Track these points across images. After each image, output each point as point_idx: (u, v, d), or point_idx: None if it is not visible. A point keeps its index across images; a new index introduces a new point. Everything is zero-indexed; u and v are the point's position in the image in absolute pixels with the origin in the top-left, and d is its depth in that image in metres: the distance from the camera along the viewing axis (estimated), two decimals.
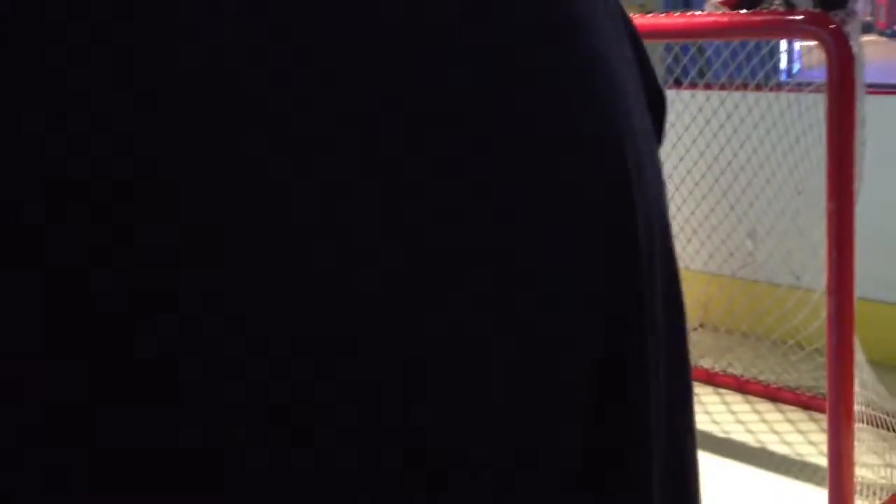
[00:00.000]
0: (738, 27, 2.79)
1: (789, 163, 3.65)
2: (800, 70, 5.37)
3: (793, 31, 2.77)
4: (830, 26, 2.55)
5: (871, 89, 3.06)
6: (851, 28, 2.63)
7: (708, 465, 3.43)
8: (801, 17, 2.64)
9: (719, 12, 2.87)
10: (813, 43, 4.86)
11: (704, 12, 2.90)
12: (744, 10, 2.79)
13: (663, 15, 3.04)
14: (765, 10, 2.77)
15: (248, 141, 0.31)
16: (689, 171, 4.17)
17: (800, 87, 3.59)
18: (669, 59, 4.03)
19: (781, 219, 3.84)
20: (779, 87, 3.73)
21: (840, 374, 2.85)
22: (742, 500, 3.19)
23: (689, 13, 2.94)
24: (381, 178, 0.34)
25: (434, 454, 0.35)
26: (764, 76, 3.67)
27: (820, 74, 3.99)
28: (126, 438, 0.30)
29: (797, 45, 5.27)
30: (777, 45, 4.23)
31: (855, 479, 2.91)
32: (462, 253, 0.36)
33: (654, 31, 3.08)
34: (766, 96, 3.71)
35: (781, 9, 2.79)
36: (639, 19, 3.14)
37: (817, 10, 2.70)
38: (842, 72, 2.54)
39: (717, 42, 3.77)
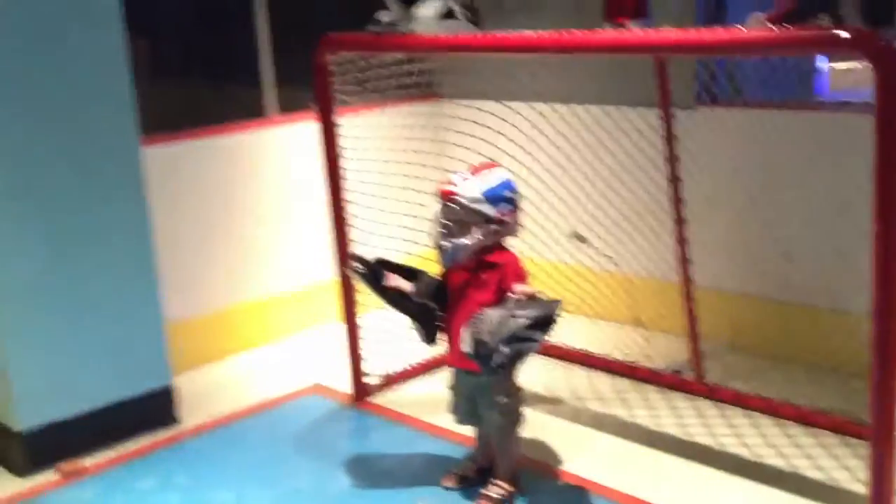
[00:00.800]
0: (784, 43, 2.72)
1: (828, 182, 3.57)
2: (827, 91, 5.31)
3: (841, 48, 2.70)
4: (880, 43, 2.49)
5: None
6: None
7: (739, 489, 3.35)
8: (849, 33, 2.58)
9: (764, 28, 2.80)
10: (842, 66, 4.85)
11: (748, 27, 2.83)
12: (789, 26, 2.73)
13: (704, 30, 2.98)
14: (811, 26, 2.71)
15: None
16: (723, 190, 4.10)
17: (842, 106, 3.51)
18: (704, 76, 3.97)
19: (819, 239, 3.75)
20: (819, 106, 3.66)
21: (883, 398, 2.78)
22: None
23: (733, 28, 2.86)
24: None
25: None
26: (799, 96, 3.61)
27: (846, 95, 3.95)
28: None
29: (825, 66, 5.21)
30: (814, 65, 4.15)
31: None
32: None
33: (694, 45, 3.02)
34: (806, 115, 3.64)
35: (829, 25, 2.73)
36: (683, 33, 3.08)
37: (866, 28, 2.64)
38: (890, 88, 2.48)
39: (752, 60, 3.71)
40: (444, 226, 3.16)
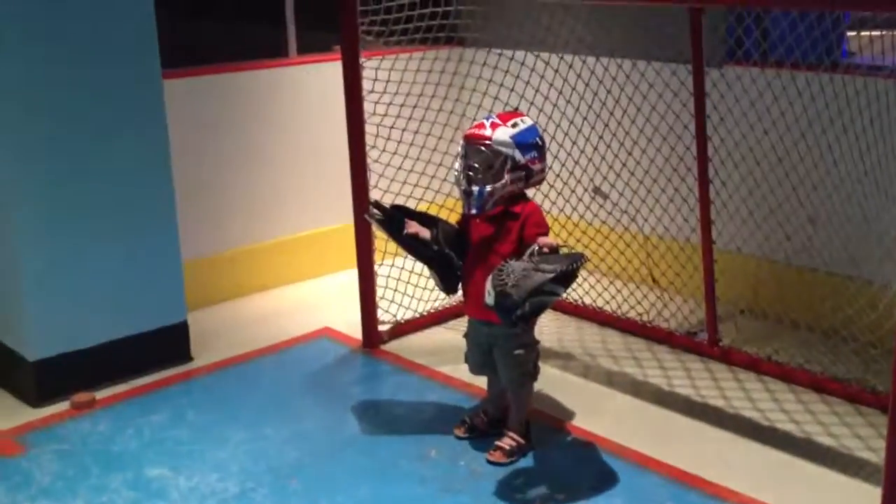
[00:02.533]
0: None
1: (860, 148, 3.50)
2: (845, 55, 5.21)
3: (887, 4, 2.62)
4: None
5: None
6: None
7: (749, 453, 3.34)
8: None
9: None
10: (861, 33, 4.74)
11: None
12: None
13: None
14: None
15: None
16: (750, 150, 4.03)
17: (876, 70, 3.44)
18: (738, 32, 3.88)
19: (846, 205, 3.70)
20: (851, 69, 3.57)
21: None
22: (785, 492, 3.09)
23: None
24: None
25: None
26: (836, 58, 3.52)
27: (864, 60, 3.88)
28: None
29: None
30: (843, 29, 4.05)
31: None
32: None
33: None
34: (839, 78, 3.56)
35: None
36: None
37: None
38: None
39: (790, 17, 3.62)
40: (471, 169, 3.11)
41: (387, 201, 3.57)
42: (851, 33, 4.08)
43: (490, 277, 2.86)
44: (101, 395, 3.76)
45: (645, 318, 4.32)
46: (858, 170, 3.58)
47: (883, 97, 3.32)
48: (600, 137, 4.41)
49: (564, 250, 3.07)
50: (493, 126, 3.12)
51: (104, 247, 3.77)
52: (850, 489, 3.11)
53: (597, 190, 4.54)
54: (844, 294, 3.66)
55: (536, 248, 2.96)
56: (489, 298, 2.84)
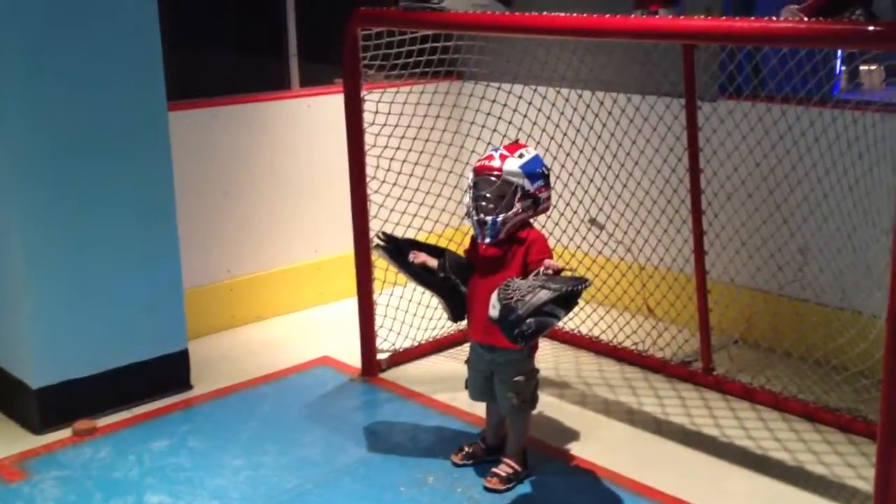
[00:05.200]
0: (817, 35, 2.73)
1: (849, 180, 3.58)
2: (838, 91, 5.31)
3: (874, 43, 2.70)
4: None
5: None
6: None
7: (743, 481, 3.38)
8: (883, 28, 2.59)
9: (797, 18, 2.82)
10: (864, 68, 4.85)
11: (782, 18, 2.85)
12: (823, 19, 2.74)
13: (738, 18, 2.99)
14: (846, 20, 2.72)
15: None
16: (742, 183, 4.11)
17: (865, 105, 3.52)
18: (730, 68, 3.98)
19: (836, 236, 3.77)
20: (842, 104, 3.66)
21: (894, 399, 2.78)
22: None
23: (766, 18, 2.88)
24: None
25: None
26: (828, 92, 3.61)
27: (854, 95, 3.97)
28: None
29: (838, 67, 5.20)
30: (836, 63, 4.15)
31: None
32: None
33: (728, 33, 3.03)
34: (828, 113, 3.65)
35: (862, 20, 2.74)
36: (711, 21, 3.10)
37: None
38: None
39: (780, 53, 3.71)
40: (483, 199, 3.20)
41: (389, 233, 3.64)
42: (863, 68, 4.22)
43: (496, 291, 2.92)
44: (102, 422, 3.80)
45: (640, 347, 4.37)
46: (847, 202, 3.65)
47: (871, 131, 3.41)
48: (596, 169, 4.49)
49: (568, 273, 3.13)
50: (502, 158, 3.22)
51: (107, 276, 3.82)
52: None
53: (593, 221, 4.62)
54: (835, 324, 3.72)
55: (542, 270, 3.03)
56: (494, 311, 2.89)
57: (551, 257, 3.22)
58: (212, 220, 4.69)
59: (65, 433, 3.71)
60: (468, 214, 3.24)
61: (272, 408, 3.97)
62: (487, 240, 3.20)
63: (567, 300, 2.90)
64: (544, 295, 2.85)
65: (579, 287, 2.93)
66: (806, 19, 2.78)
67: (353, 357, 4.33)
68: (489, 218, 3.17)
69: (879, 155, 3.32)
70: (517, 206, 3.18)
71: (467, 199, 3.26)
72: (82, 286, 3.76)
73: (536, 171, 3.23)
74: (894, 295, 2.70)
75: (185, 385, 4.11)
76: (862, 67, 3.77)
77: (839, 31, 2.67)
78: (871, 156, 3.42)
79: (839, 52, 4.23)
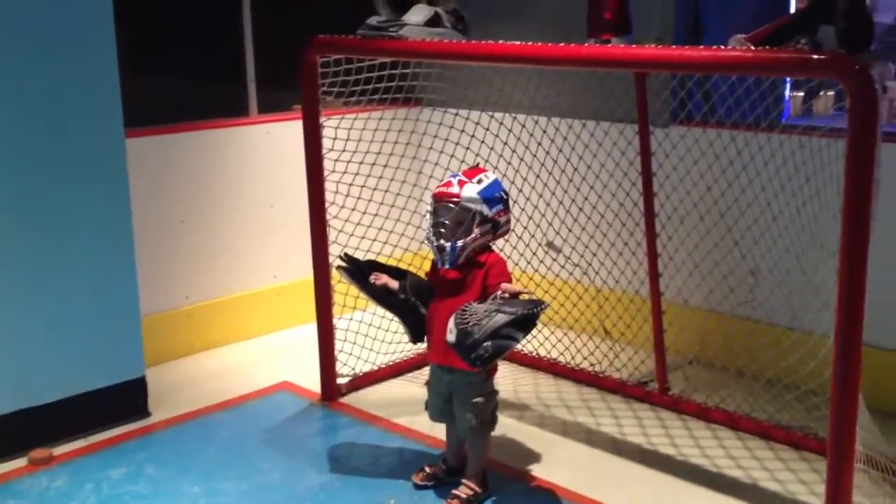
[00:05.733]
0: (764, 63, 2.83)
1: (797, 203, 3.69)
2: (787, 116, 5.47)
3: (819, 70, 2.81)
4: (856, 67, 2.61)
5: None
6: (876, 71, 2.68)
7: (699, 498, 3.43)
8: (827, 56, 2.69)
9: (744, 48, 2.91)
10: (800, 93, 5.01)
11: (729, 47, 2.94)
12: (769, 48, 2.84)
13: (687, 48, 3.08)
14: (791, 49, 2.82)
15: None
16: (694, 206, 4.21)
17: (811, 130, 3.63)
18: (681, 95, 4.08)
19: (785, 258, 3.87)
20: (789, 129, 3.77)
21: (843, 416, 2.85)
22: None
23: (714, 47, 2.97)
24: None
25: None
26: (776, 118, 3.72)
27: (802, 120, 4.09)
28: None
29: (787, 93, 5.36)
30: (784, 90, 4.28)
31: None
32: None
33: (678, 62, 3.12)
34: (777, 137, 3.76)
35: (807, 48, 2.84)
36: (661, 50, 3.19)
37: (843, 52, 2.75)
38: (865, 112, 2.59)
39: (729, 81, 3.81)
40: (443, 226, 3.24)
41: (350, 255, 3.66)
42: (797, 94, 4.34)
43: (453, 316, 2.96)
44: (58, 450, 3.75)
45: (597, 368, 4.44)
46: (796, 224, 3.75)
47: (817, 155, 3.51)
48: (553, 194, 4.56)
49: (525, 297, 3.18)
50: (461, 184, 3.26)
51: (62, 303, 3.79)
52: None
53: (550, 244, 4.69)
54: (786, 344, 3.80)
55: (499, 293, 3.07)
56: (451, 336, 2.94)
57: (510, 281, 3.27)
58: (170, 247, 4.67)
59: (20, 462, 3.66)
60: (428, 240, 3.28)
61: (231, 434, 3.95)
62: (447, 265, 3.24)
63: (524, 323, 2.95)
64: (500, 319, 2.90)
65: (535, 310, 2.98)
66: (752, 48, 2.87)
67: (312, 382, 4.33)
68: (448, 244, 3.21)
69: (826, 178, 3.42)
70: (476, 232, 3.22)
71: (427, 224, 3.30)
72: (38, 314, 3.73)
73: (495, 196, 3.28)
74: (841, 316, 2.79)
75: (143, 412, 4.08)
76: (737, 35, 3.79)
77: (784, 59, 2.77)
78: (817, 180, 3.52)
79: (787, 79, 4.36)
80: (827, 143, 3.37)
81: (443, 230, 3.24)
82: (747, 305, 4.15)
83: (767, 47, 2.83)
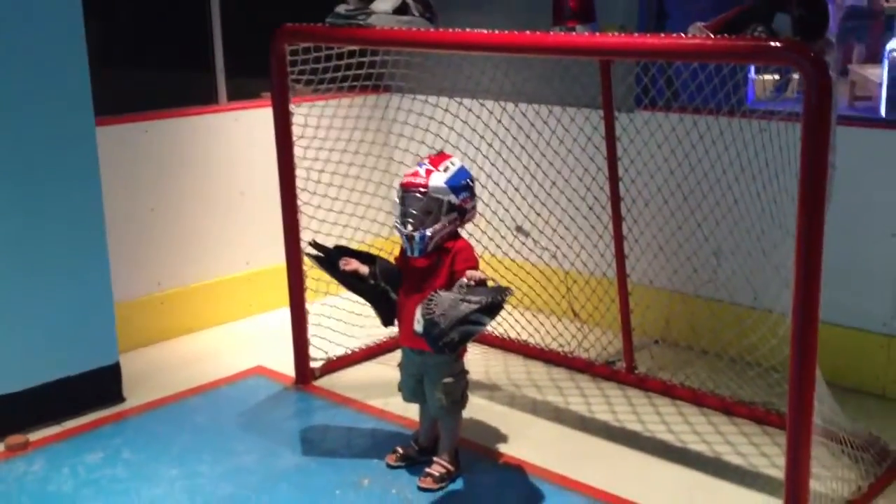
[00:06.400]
0: (722, 50, 2.91)
1: (757, 186, 3.79)
2: (751, 100, 5.58)
3: (775, 58, 2.90)
4: (811, 54, 2.70)
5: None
6: (830, 57, 2.77)
7: (665, 473, 3.54)
8: (783, 44, 2.78)
9: (703, 35, 2.99)
10: (767, 77, 5.11)
11: (689, 35, 3.02)
12: (727, 35, 2.92)
13: (649, 35, 3.16)
14: (748, 37, 2.90)
15: None
16: (658, 190, 4.30)
17: (771, 114, 3.73)
18: (645, 81, 4.16)
19: (746, 240, 3.97)
20: (750, 113, 3.86)
21: (801, 391, 2.95)
22: None
23: (675, 35, 3.05)
24: None
25: None
26: (737, 103, 3.81)
27: (767, 105, 4.18)
28: None
29: (751, 76, 5.47)
30: (746, 74, 4.37)
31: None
32: None
33: (640, 49, 3.20)
34: (737, 122, 3.85)
35: (763, 36, 2.93)
36: (623, 38, 3.27)
37: (798, 39, 2.84)
38: (820, 98, 2.68)
39: (691, 67, 3.90)
40: (410, 215, 3.29)
41: (319, 242, 3.72)
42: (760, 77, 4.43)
43: (420, 307, 3.04)
44: (34, 436, 3.78)
45: (566, 349, 4.53)
46: (756, 206, 3.85)
47: (776, 139, 3.61)
48: (521, 179, 4.64)
49: (491, 283, 3.26)
50: (428, 173, 3.31)
51: (36, 290, 3.81)
52: (757, 503, 3.33)
53: (519, 228, 4.77)
54: (748, 323, 3.91)
55: (465, 280, 3.15)
56: (418, 326, 3.01)
57: (477, 265, 3.34)
58: (142, 234, 4.69)
59: None
60: (397, 229, 3.35)
61: (206, 418, 4.00)
62: (416, 254, 3.30)
63: (490, 309, 3.03)
64: (465, 308, 2.98)
65: (499, 298, 3.06)
66: (712, 36, 2.95)
67: (286, 366, 4.38)
68: (417, 233, 3.27)
69: (784, 162, 3.51)
70: (444, 220, 3.29)
71: (396, 212, 3.36)
72: (11, 303, 3.75)
73: (461, 184, 3.34)
74: (798, 294, 2.89)
75: (118, 398, 4.12)
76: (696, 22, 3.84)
77: (741, 47, 2.85)
78: (776, 163, 3.62)
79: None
80: (785, 126, 3.46)
81: (411, 219, 3.30)
82: (710, 286, 4.26)
83: (725, 35, 2.91)
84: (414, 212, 3.29)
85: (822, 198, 2.78)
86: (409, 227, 3.29)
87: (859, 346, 4.13)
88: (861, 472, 3.40)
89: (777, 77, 4.64)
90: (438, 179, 3.30)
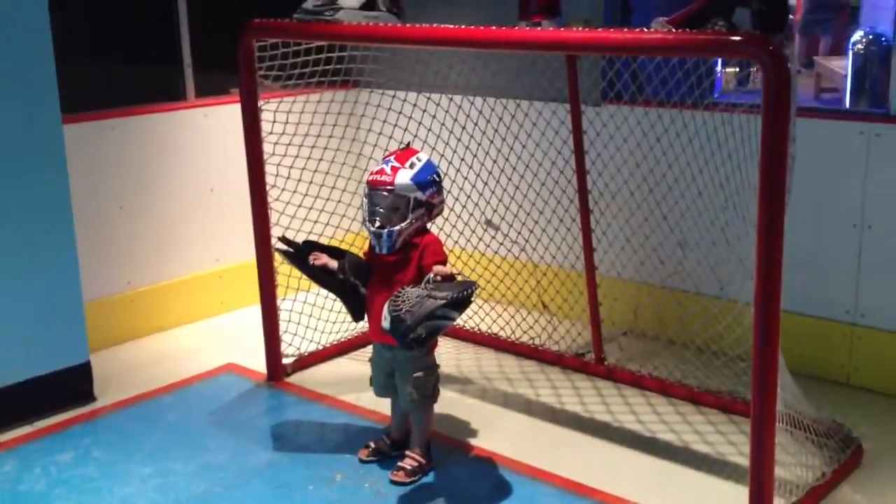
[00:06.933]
0: (683, 45, 2.96)
1: (720, 178, 3.84)
2: (719, 93, 5.64)
3: (734, 51, 2.95)
4: (770, 48, 2.74)
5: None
6: (789, 51, 2.82)
7: (634, 462, 3.60)
8: (742, 37, 2.82)
9: (665, 30, 3.03)
10: (733, 69, 5.18)
11: (651, 30, 3.06)
12: (689, 30, 2.97)
13: (612, 30, 3.20)
14: (708, 31, 2.95)
15: None
16: (625, 183, 4.35)
17: (733, 107, 3.78)
18: (610, 75, 4.21)
19: (710, 231, 4.03)
20: (713, 106, 3.92)
21: (764, 379, 3.00)
22: (667, 496, 3.35)
23: (637, 30, 3.09)
24: None
25: None
26: (699, 96, 3.86)
27: (736, 97, 4.24)
28: None
29: (718, 69, 5.54)
30: (713, 67, 4.42)
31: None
32: None
33: (603, 44, 3.24)
34: (700, 115, 3.90)
35: (724, 30, 2.97)
36: (587, 33, 3.31)
37: (757, 33, 2.89)
38: (779, 90, 2.73)
39: (655, 61, 3.95)
40: (377, 213, 3.31)
41: (289, 238, 3.73)
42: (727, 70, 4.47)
43: (387, 304, 3.06)
44: (4, 437, 3.77)
45: (537, 341, 4.57)
46: (720, 198, 3.91)
47: (738, 132, 3.66)
48: (489, 172, 4.67)
49: (459, 278, 3.29)
50: (394, 170, 3.32)
51: (5, 290, 3.79)
52: (724, 491, 3.39)
53: (488, 222, 4.80)
54: (713, 313, 3.97)
55: (432, 276, 3.17)
56: (385, 323, 3.04)
57: (445, 259, 3.37)
58: (110, 233, 4.68)
59: None
60: (364, 226, 3.36)
61: (178, 416, 4.00)
62: (385, 250, 3.32)
63: (457, 304, 3.05)
64: (430, 305, 3.01)
65: (466, 293, 3.09)
66: (673, 30, 2.99)
67: (258, 363, 4.39)
68: (385, 230, 3.29)
69: (747, 154, 3.57)
70: (411, 217, 3.31)
71: (364, 209, 3.38)
72: None
73: (428, 179, 3.36)
74: (760, 283, 2.94)
75: (89, 397, 4.11)
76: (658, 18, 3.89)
77: (702, 41, 2.90)
78: (739, 154, 3.68)
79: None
80: (747, 119, 3.51)
81: (378, 217, 3.31)
82: (676, 277, 4.32)
83: (687, 29, 2.96)
84: (381, 209, 3.31)
85: (782, 188, 2.83)
86: (377, 225, 3.31)
87: (823, 335, 4.21)
88: (825, 459, 3.47)
89: (737, 70, 4.70)
90: (405, 177, 3.31)
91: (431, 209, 3.38)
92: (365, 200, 3.37)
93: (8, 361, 3.83)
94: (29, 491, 3.40)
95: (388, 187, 3.30)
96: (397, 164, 3.34)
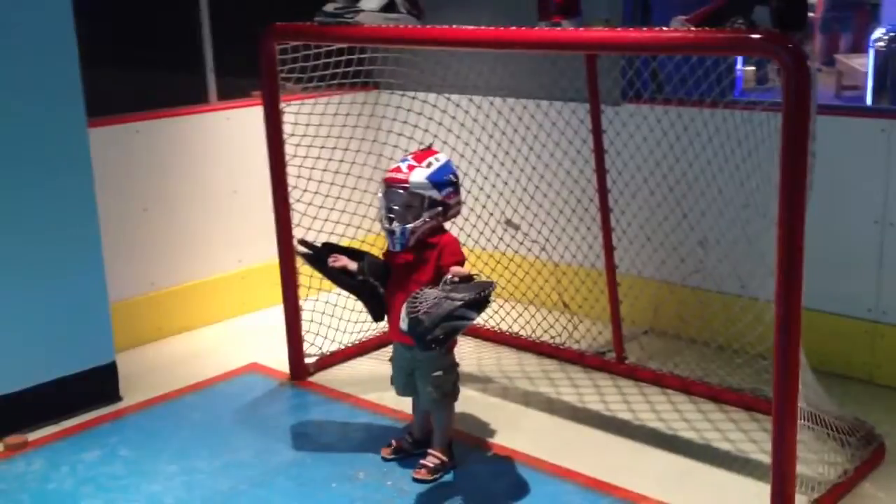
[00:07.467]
0: (702, 43, 2.97)
1: (741, 176, 3.84)
2: (740, 91, 5.63)
3: (754, 49, 2.96)
4: (790, 45, 2.75)
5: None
6: (809, 48, 2.82)
7: (655, 460, 3.60)
8: (762, 35, 2.83)
9: (685, 28, 3.04)
10: (751, 68, 5.17)
11: (671, 28, 3.07)
12: (708, 28, 2.98)
13: (631, 29, 3.21)
14: (728, 29, 2.96)
15: None
16: (645, 181, 4.36)
17: (753, 105, 3.78)
18: (630, 73, 4.22)
19: (731, 229, 4.03)
20: (733, 104, 3.92)
21: (786, 376, 3.01)
22: (688, 494, 3.36)
23: (656, 28, 3.10)
24: None
25: None
26: (719, 94, 3.86)
27: (757, 95, 4.22)
28: None
29: (739, 67, 5.53)
30: (733, 65, 4.42)
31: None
32: None
33: (622, 43, 3.25)
34: (721, 113, 3.91)
35: (743, 28, 2.98)
36: (607, 32, 3.32)
37: (777, 31, 2.89)
38: (799, 88, 2.73)
39: (675, 59, 3.96)
40: (392, 210, 3.33)
41: (310, 239, 3.77)
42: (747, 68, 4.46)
43: (405, 305, 3.08)
44: (32, 436, 3.82)
45: (557, 340, 4.58)
46: (740, 196, 3.91)
47: (758, 130, 3.66)
48: (509, 172, 4.69)
49: (478, 279, 3.31)
50: (410, 168, 3.34)
51: (32, 292, 3.85)
52: (746, 488, 3.39)
53: (508, 222, 4.82)
54: (734, 311, 3.97)
55: (449, 277, 3.19)
56: (403, 324, 3.06)
57: (464, 260, 3.39)
58: (135, 234, 4.73)
59: None
60: (380, 223, 3.39)
61: (202, 415, 4.04)
62: (397, 248, 3.35)
63: (475, 305, 3.07)
64: (448, 305, 3.02)
65: (483, 293, 3.10)
66: (692, 29, 3.00)
67: (281, 363, 4.43)
68: (398, 227, 3.31)
69: (766, 151, 3.57)
70: (425, 216, 3.32)
71: (379, 207, 3.40)
72: (8, 304, 3.79)
73: (444, 180, 3.37)
74: (781, 281, 2.94)
75: (115, 397, 4.16)
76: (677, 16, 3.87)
77: (721, 39, 2.91)
78: (759, 153, 3.68)
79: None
80: (767, 117, 3.51)
81: (393, 214, 3.34)
82: (697, 275, 4.32)
83: (706, 27, 2.96)
84: (395, 207, 3.33)
85: (803, 186, 2.83)
86: (391, 223, 3.33)
87: (845, 333, 4.20)
88: (847, 456, 3.46)
89: (755, 68, 4.70)
90: (420, 175, 3.33)
91: (447, 210, 3.40)
92: (381, 198, 3.39)
93: (35, 362, 3.89)
94: (57, 489, 3.45)
95: (404, 185, 3.33)
96: (414, 163, 3.37)
